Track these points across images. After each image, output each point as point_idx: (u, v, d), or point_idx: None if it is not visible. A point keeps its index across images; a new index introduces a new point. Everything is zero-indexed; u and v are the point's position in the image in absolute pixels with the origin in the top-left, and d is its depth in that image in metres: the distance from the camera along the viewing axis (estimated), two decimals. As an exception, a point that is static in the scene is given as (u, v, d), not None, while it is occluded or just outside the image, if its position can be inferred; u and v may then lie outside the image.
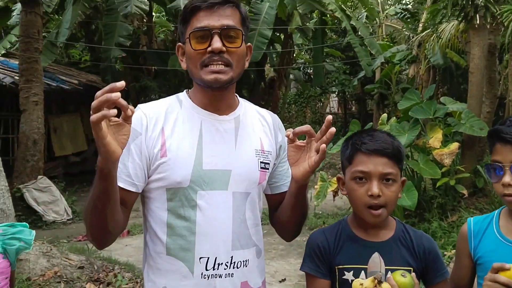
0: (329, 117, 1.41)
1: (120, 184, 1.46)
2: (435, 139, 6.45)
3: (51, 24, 14.03)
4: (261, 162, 1.61)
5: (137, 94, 13.62)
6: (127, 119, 1.27)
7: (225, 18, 1.49)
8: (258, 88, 15.22)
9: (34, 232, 1.62)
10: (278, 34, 14.57)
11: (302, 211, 1.65)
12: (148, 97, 14.42)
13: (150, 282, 1.57)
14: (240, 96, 1.71)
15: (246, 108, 1.68)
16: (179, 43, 1.61)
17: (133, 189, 1.51)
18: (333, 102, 23.69)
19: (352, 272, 1.54)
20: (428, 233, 5.96)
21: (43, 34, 9.62)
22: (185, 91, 1.66)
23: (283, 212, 1.67)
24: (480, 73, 6.90)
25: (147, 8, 10.47)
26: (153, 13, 15.09)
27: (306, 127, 1.44)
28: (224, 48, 1.47)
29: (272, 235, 6.17)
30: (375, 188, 1.49)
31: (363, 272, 1.53)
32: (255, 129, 1.65)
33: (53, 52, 11.40)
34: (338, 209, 8.64)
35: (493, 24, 7.02)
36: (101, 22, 12.20)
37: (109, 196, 1.36)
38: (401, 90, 15.19)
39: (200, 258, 1.50)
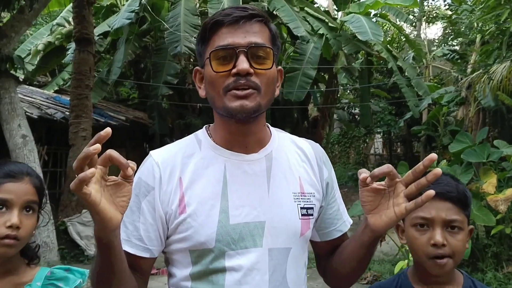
0: (434, 155, 1.11)
1: (131, 250, 1.26)
2: (489, 184, 6.13)
3: (102, 63, 14.57)
4: (301, 207, 1.33)
5: (182, 131, 13.80)
6: (127, 178, 1.05)
7: (253, 34, 1.24)
8: (301, 127, 15.16)
9: (80, 281, 1.51)
10: (322, 74, 14.57)
11: (369, 262, 1.38)
12: (192, 135, 14.60)
13: None
14: None
15: (280, 141, 1.39)
16: (197, 67, 1.36)
17: (146, 255, 1.28)
18: (378, 143, 23.29)
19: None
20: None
21: (94, 73, 9.95)
22: (204, 127, 1.40)
23: (345, 264, 1.39)
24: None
25: (195, 47, 10.70)
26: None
27: (388, 168, 1.15)
28: (251, 70, 1.21)
29: (315, 279, 5.94)
30: (438, 236, 1.35)
31: None
32: (292, 166, 1.36)
33: (103, 89, 11.78)
34: (385, 255, 8.28)
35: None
36: (150, 61, 12.55)
37: (113, 269, 1.15)
38: (449, 133, 14.78)
39: None
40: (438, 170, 1.11)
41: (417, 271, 1.46)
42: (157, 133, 12.84)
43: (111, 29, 11.34)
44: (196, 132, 1.40)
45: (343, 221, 1.47)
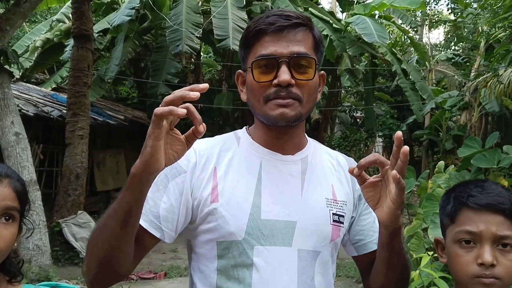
0: (399, 132, 1.10)
1: (144, 224, 1.22)
2: (499, 191, 5.93)
3: (101, 61, 14.37)
4: (333, 213, 1.32)
5: (182, 132, 13.61)
6: (192, 138, 1.07)
7: (296, 44, 1.23)
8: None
9: None
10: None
11: (402, 265, 1.29)
12: (192, 135, 14.41)
13: None
14: None
15: (315, 149, 1.41)
16: (239, 71, 1.38)
17: (157, 234, 1.24)
18: (378, 147, 23.17)
19: None
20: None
21: (93, 71, 9.75)
22: (244, 128, 1.42)
23: (378, 275, 1.32)
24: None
25: (198, 47, 10.49)
26: (201, 53, 15.27)
27: (373, 156, 1.14)
28: (293, 81, 1.22)
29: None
30: (487, 254, 1.14)
31: None
32: (326, 174, 1.37)
33: (101, 87, 11.56)
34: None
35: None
36: (149, 59, 12.35)
37: (129, 216, 1.09)
38: (452, 137, 14.66)
39: None
40: (405, 148, 1.08)
41: (458, 295, 1.25)
42: (157, 134, 12.64)
43: (111, 26, 11.13)
44: (236, 130, 1.42)
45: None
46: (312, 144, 1.42)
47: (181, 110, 0.97)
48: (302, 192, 1.30)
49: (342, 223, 1.34)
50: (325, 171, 1.37)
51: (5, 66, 5.85)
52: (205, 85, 0.99)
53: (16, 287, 1.29)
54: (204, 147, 1.31)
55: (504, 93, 10.23)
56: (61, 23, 12.26)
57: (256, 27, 1.26)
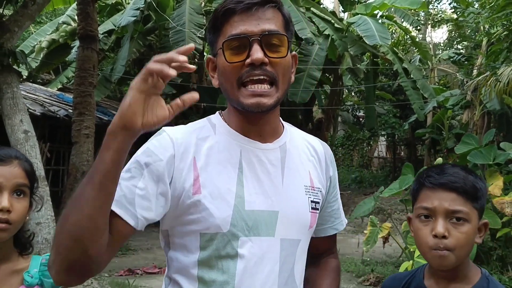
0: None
1: (118, 210, 1.13)
2: (495, 186, 6.05)
3: (106, 62, 14.54)
4: (311, 201, 1.33)
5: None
6: (178, 107, 1.04)
7: (266, 21, 1.20)
8: (305, 129, 15.06)
9: None
10: (327, 75, 14.51)
11: None
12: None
13: None
14: None
15: (292, 135, 1.39)
16: (209, 56, 1.33)
17: (131, 222, 1.15)
18: (381, 146, 23.23)
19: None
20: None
21: (98, 71, 9.91)
22: (217, 112, 1.36)
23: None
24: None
25: (200, 47, 10.64)
26: (205, 53, 15.43)
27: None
28: (266, 59, 1.18)
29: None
30: (440, 227, 1.31)
31: None
32: (303, 160, 1.36)
33: (106, 87, 11.73)
34: (388, 257, 8.22)
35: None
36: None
37: (105, 178, 1.03)
38: (454, 136, 14.72)
39: None
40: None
41: (429, 267, 1.44)
42: (160, 133, 12.81)
43: (117, 27, 11.29)
44: (209, 116, 1.36)
45: (340, 220, 1.49)
46: (288, 130, 1.39)
47: (172, 71, 0.97)
48: (282, 181, 1.29)
49: (318, 209, 1.36)
50: (302, 158, 1.36)
51: (13, 67, 6.02)
52: (190, 46, 0.99)
53: (26, 259, 1.47)
54: (180, 136, 1.25)
55: (504, 91, 10.32)
56: (66, 25, 12.46)
57: (224, 7, 1.21)
